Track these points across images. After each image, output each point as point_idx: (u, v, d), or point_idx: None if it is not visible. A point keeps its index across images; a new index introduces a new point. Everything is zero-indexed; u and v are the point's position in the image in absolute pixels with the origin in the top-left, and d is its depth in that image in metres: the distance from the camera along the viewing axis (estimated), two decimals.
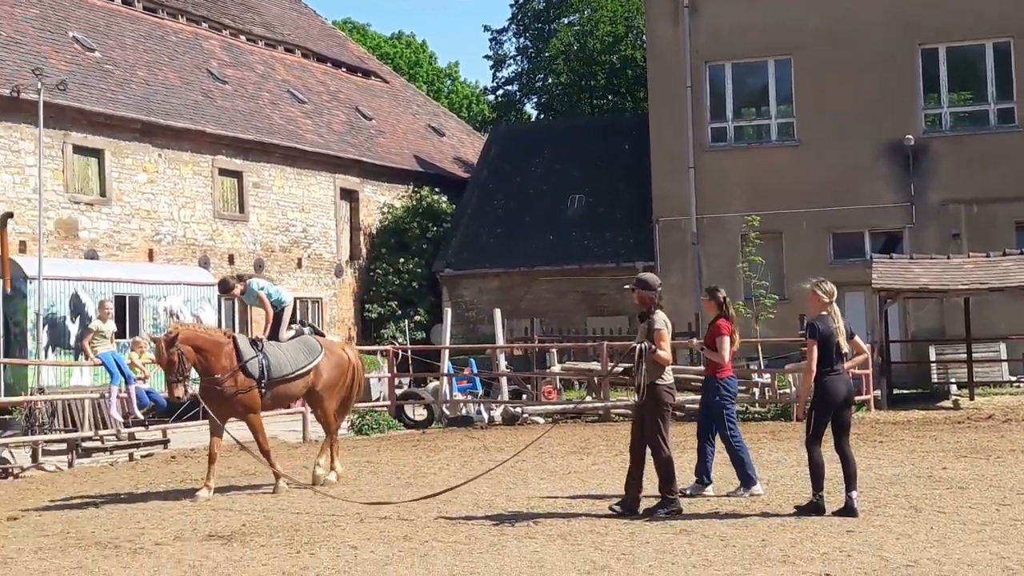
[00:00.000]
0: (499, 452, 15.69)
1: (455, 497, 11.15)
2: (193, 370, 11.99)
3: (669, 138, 29.64)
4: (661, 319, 10.00)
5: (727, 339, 10.98)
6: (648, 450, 9.96)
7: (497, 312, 23.11)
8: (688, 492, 10.77)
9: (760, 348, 21.45)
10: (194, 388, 12.28)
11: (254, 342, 12.38)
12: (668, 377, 10.03)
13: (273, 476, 12.18)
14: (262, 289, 12.97)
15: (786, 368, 21.12)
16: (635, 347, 9.88)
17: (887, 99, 28.02)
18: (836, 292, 10.02)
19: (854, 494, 9.63)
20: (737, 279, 25.62)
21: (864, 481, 11.73)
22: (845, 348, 9.81)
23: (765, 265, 24.36)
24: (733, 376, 11.31)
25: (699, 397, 11.68)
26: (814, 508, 9.68)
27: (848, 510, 9.54)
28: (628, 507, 9.90)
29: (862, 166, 28.14)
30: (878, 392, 21.66)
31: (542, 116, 50.28)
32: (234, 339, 12.26)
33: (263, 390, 12.17)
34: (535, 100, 52.15)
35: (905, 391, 24.28)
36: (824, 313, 9.86)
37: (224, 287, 13.31)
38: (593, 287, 31.36)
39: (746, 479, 10.90)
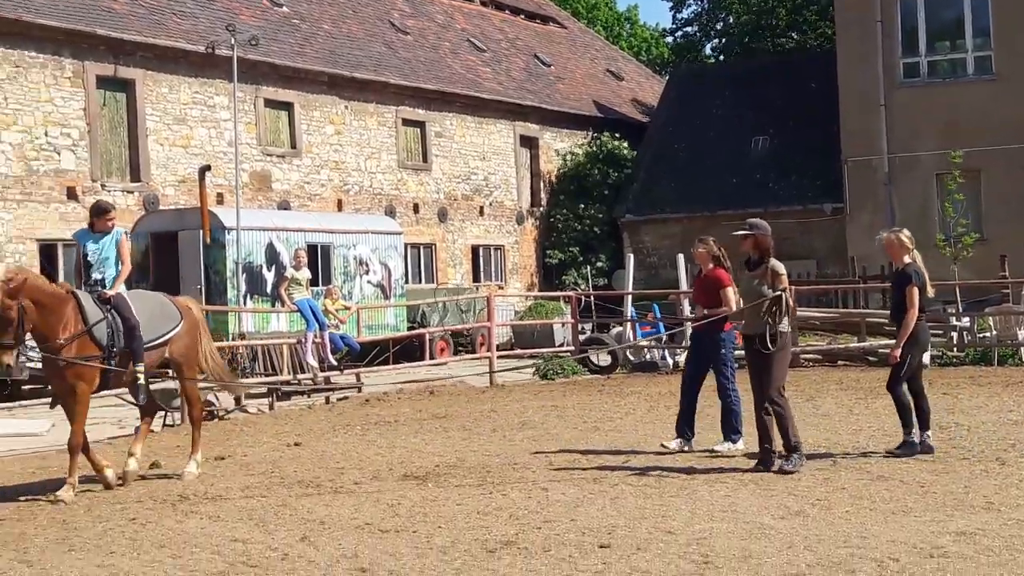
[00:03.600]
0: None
1: (643, 441, 11.16)
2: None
3: (858, 75, 28.61)
4: (781, 265, 9.59)
5: (731, 289, 10.45)
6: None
7: (680, 257, 22.85)
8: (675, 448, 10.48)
9: (958, 291, 20.62)
10: (31, 359, 9.84)
11: (103, 301, 9.62)
12: (787, 325, 9.61)
13: (68, 477, 9.33)
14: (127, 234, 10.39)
15: (986, 311, 20.23)
16: (776, 295, 9.33)
17: None
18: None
19: (929, 434, 9.91)
20: (932, 219, 24.70)
21: None
22: (931, 293, 10.29)
23: (964, 204, 23.35)
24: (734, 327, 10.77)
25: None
26: (910, 447, 9.83)
27: (906, 447, 9.84)
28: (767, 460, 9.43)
29: None
30: None
31: (722, 57, 49.21)
32: (74, 295, 9.52)
33: (111, 361, 9.52)
34: (715, 41, 51.05)
35: None
36: (909, 260, 10.07)
37: (100, 210, 10.04)
38: (777, 231, 30.46)
39: (733, 432, 10.48)
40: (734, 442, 10.42)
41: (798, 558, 6.54)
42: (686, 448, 10.49)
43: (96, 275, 9.83)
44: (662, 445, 10.52)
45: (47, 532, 7.89)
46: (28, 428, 13.72)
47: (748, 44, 46.90)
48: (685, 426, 10.64)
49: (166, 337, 10.07)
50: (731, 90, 34.88)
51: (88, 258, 9.85)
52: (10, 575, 6.66)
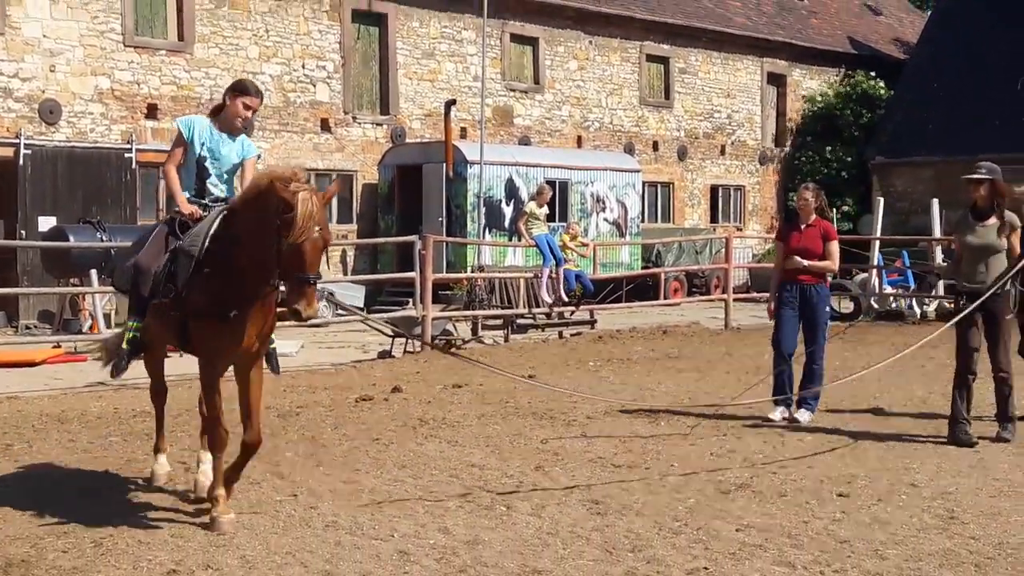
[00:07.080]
0: (933, 349, 14.91)
1: (886, 392, 10.77)
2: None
3: None
4: (1016, 217, 8.70)
5: (836, 243, 9.71)
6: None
7: (934, 203, 21.80)
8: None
9: None
10: None
11: None
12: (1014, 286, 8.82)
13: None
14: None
15: None
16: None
17: None
18: None
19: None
20: None
21: None
22: None
23: None
24: None
25: None
26: None
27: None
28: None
29: None
30: None
31: None
32: None
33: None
34: None
35: None
36: None
37: (245, 89, 6.78)
38: None
39: (813, 398, 9.64)
40: (811, 411, 9.56)
41: None
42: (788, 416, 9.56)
43: (216, 192, 6.85)
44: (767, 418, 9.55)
45: (297, 447, 8.30)
46: (280, 348, 14.41)
47: None
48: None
49: None
50: (1002, 27, 32.73)
51: (208, 164, 6.80)
52: (264, 486, 7.04)
